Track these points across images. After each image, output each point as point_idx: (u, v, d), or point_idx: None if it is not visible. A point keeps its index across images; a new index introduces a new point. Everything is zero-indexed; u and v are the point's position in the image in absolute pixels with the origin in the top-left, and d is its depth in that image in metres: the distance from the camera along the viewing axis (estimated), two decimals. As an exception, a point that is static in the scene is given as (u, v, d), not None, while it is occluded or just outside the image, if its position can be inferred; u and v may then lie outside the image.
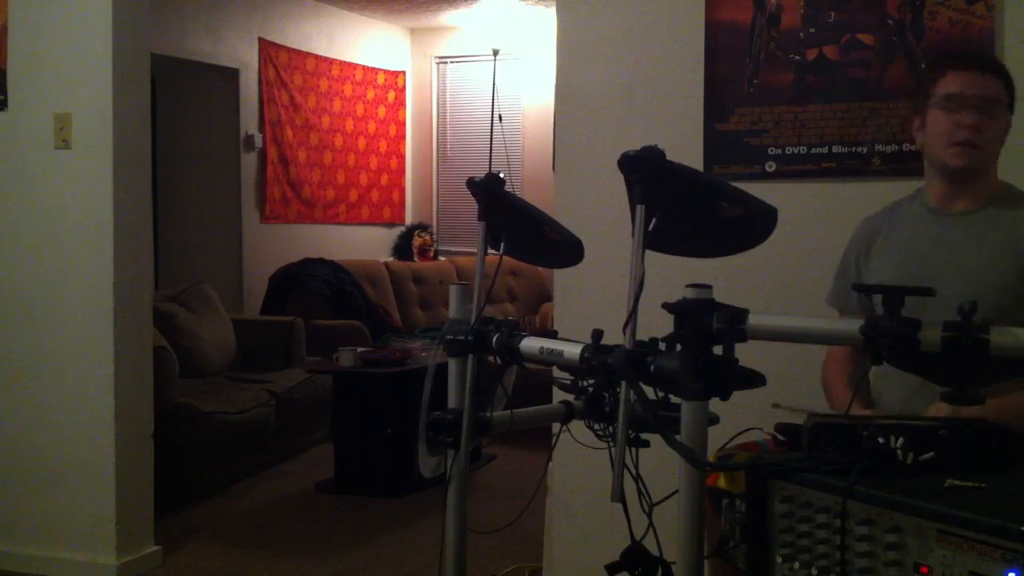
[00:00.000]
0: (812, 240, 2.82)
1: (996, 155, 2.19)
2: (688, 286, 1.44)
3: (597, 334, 1.61)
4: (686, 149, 2.94)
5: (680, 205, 1.53)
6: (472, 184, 1.87)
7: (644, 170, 1.48)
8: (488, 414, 1.84)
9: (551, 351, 1.70)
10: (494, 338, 1.80)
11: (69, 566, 3.61)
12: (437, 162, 8.52)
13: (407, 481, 4.66)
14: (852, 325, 1.40)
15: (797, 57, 2.89)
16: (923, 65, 2.75)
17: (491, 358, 1.83)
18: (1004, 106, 2.15)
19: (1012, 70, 2.21)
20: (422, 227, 8.26)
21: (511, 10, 7.63)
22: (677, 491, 1.45)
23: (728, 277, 2.19)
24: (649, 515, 1.62)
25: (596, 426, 1.73)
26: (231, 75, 6.79)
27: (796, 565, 1.47)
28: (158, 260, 5.62)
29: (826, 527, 1.43)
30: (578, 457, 2.28)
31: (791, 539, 1.48)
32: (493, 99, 7.43)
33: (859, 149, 2.84)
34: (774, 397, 1.89)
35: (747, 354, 1.42)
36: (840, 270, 2.40)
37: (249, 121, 6.91)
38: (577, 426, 1.82)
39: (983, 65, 2.17)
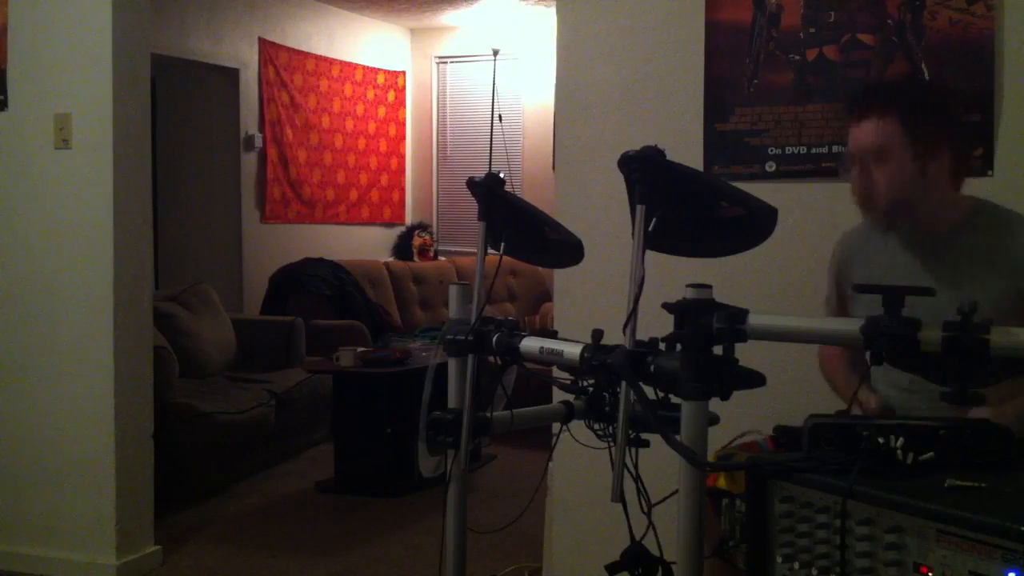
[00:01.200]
0: (812, 240, 2.82)
1: (925, 185, 2.08)
2: (688, 286, 1.44)
3: (597, 334, 1.61)
4: (686, 149, 2.94)
5: (680, 205, 1.53)
6: (472, 184, 1.87)
7: (644, 170, 1.48)
8: (488, 414, 1.84)
9: (551, 351, 1.70)
10: (494, 338, 1.80)
11: (69, 566, 3.61)
12: (437, 162, 8.52)
13: (407, 481, 4.66)
14: (852, 325, 1.40)
15: (797, 57, 2.89)
16: (922, 66, 2.75)
17: (491, 358, 1.83)
18: (898, 147, 2.05)
19: (1012, 70, 2.21)
20: (422, 227, 8.27)
21: (511, 10, 7.63)
22: (677, 491, 1.45)
23: (728, 277, 2.19)
24: (649, 515, 1.62)
25: (596, 426, 1.73)
26: (231, 75, 6.79)
27: (796, 565, 1.47)
28: (158, 260, 5.63)
29: (826, 527, 1.42)
30: (578, 457, 2.27)
31: (791, 539, 1.47)
32: (493, 99, 7.44)
33: (859, 149, 2.83)
34: (774, 397, 1.89)
35: (747, 354, 1.43)
36: (832, 269, 2.39)
37: (249, 121, 6.91)
38: (577, 426, 1.82)
39: (867, 112, 2.08)
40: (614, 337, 1.56)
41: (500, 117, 7.50)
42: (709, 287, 1.44)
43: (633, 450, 1.58)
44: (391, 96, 8.27)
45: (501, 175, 1.88)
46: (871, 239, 2.26)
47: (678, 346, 1.44)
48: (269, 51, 7.02)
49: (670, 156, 1.49)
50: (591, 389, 1.73)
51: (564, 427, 1.88)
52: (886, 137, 2.06)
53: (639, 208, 1.48)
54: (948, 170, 2.10)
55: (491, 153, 7.33)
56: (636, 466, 1.60)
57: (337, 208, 7.76)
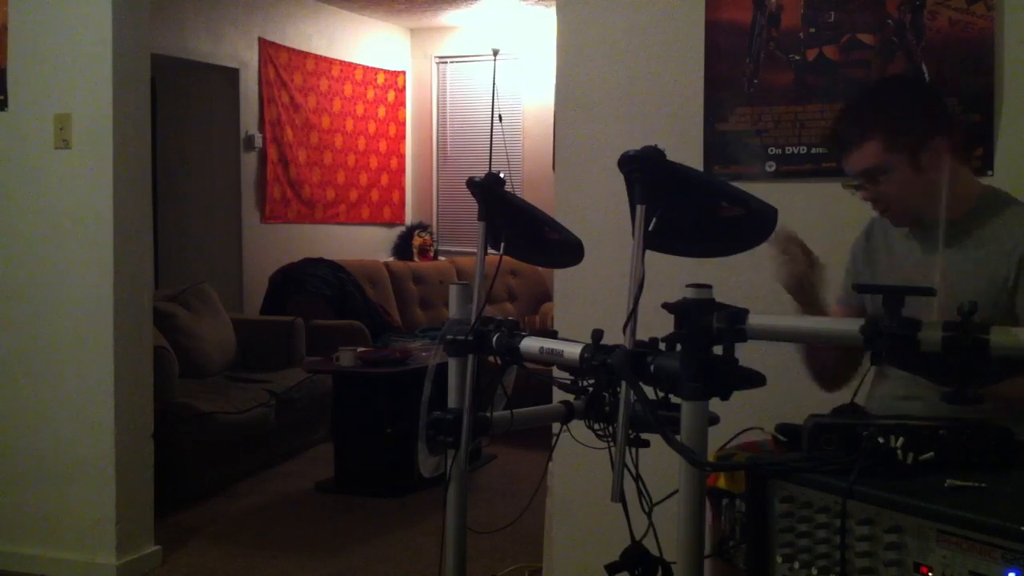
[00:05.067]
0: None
1: (933, 183, 2.06)
2: (688, 286, 1.44)
3: (597, 334, 1.61)
4: (686, 149, 2.94)
5: (680, 205, 1.52)
6: (472, 184, 1.87)
7: (644, 170, 1.47)
8: (488, 414, 1.84)
9: (551, 351, 1.70)
10: (494, 338, 1.80)
11: (69, 566, 3.61)
12: (437, 162, 8.52)
13: (407, 481, 4.66)
14: (852, 325, 1.40)
15: (797, 57, 2.89)
16: (922, 66, 2.75)
17: (491, 358, 1.83)
18: (890, 164, 2.04)
19: (1012, 70, 2.20)
20: (422, 227, 8.27)
21: (511, 10, 7.63)
22: (677, 491, 1.45)
23: (728, 277, 2.19)
24: (649, 515, 1.62)
25: (596, 426, 1.73)
26: (231, 75, 6.79)
27: (796, 565, 1.47)
28: (158, 260, 5.62)
29: (826, 527, 1.42)
30: (578, 457, 2.27)
31: (791, 539, 1.47)
32: (493, 99, 7.43)
33: (859, 149, 2.83)
34: (774, 397, 1.88)
35: (747, 354, 1.43)
36: (847, 270, 2.39)
37: (249, 121, 6.91)
38: (577, 426, 1.82)
39: (851, 140, 2.07)
40: (614, 337, 1.56)
41: (500, 117, 7.50)
42: (709, 287, 1.44)
43: (633, 450, 1.58)
44: (391, 96, 8.27)
45: (501, 175, 1.87)
46: (889, 232, 2.26)
47: (678, 346, 1.44)
48: (269, 51, 7.02)
49: (670, 156, 1.48)
50: (591, 389, 1.73)
51: (564, 427, 1.88)
52: (875, 159, 2.05)
53: (639, 208, 1.48)
54: (953, 162, 2.08)
55: (491, 153, 7.33)
56: (636, 466, 1.60)
57: (337, 208, 7.76)
